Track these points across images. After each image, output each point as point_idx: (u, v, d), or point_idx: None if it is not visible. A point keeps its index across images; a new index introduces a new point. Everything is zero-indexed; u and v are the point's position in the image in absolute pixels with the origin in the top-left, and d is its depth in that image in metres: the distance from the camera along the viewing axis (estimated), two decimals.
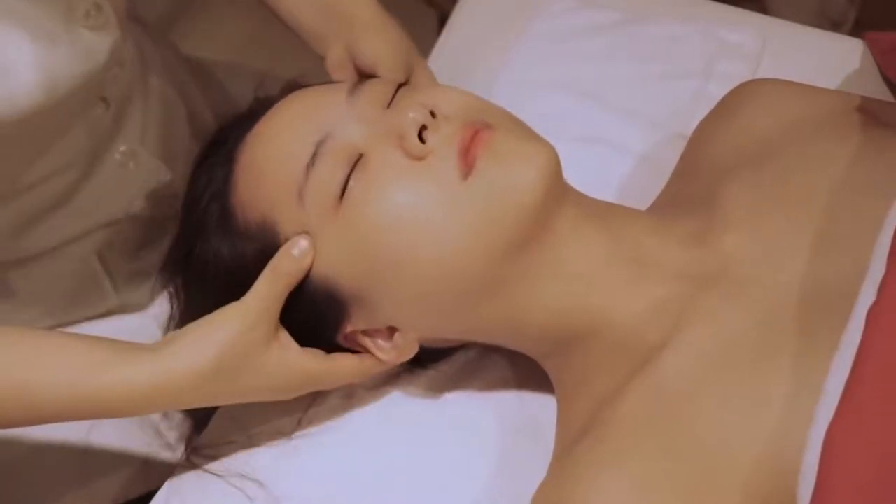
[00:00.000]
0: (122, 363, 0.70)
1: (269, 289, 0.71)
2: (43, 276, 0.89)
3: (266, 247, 0.73)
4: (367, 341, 0.75)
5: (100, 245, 0.90)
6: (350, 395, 0.82)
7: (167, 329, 0.82)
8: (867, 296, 0.60)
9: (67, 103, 0.78)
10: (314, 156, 0.70)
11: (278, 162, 0.72)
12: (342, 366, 0.75)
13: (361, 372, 0.76)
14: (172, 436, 0.91)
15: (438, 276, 0.69)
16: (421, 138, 0.69)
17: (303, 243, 0.71)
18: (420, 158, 0.69)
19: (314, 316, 0.74)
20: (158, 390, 0.70)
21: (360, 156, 0.70)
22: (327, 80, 0.81)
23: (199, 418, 0.84)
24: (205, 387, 0.71)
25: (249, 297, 0.71)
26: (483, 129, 0.69)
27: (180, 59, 1.06)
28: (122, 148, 0.88)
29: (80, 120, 0.83)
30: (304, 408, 0.82)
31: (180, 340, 0.71)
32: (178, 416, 0.87)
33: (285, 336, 0.73)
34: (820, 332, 0.61)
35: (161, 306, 0.94)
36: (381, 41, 0.83)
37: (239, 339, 0.70)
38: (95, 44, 0.79)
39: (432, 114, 0.70)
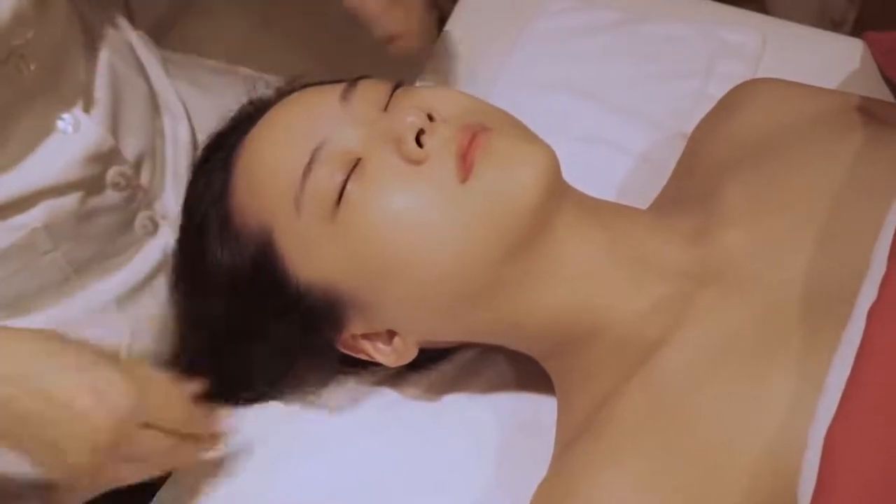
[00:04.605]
0: None
1: (154, 439, 0.68)
2: None
3: (261, 252, 0.73)
4: (367, 345, 0.75)
5: (46, 216, 0.87)
6: (350, 396, 0.82)
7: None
8: (868, 294, 0.60)
9: None
10: (310, 162, 0.70)
11: (275, 169, 0.72)
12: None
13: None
14: None
15: (438, 279, 0.69)
16: (419, 142, 0.69)
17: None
18: (418, 163, 0.69)
19: (312, 320, 0.73)
20: None
21: (358, 160, 0.70)
22: (324, 80, 0.81)
23: None
24: None
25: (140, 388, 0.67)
26: (480, 132, 0.69)
27: (154, 48, 1.05)
28: (58, 111, 0.87)
29: None
30: (304, 407, 0.82)
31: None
32: None
33: None
34: (821, 331, 0.61)
35: (122, 284, 0.93)
36: None
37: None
38: None
39: (430, 117, 0.70)
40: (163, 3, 1.87)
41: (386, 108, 0.73)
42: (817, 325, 0.62)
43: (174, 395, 0.70)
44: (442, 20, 1.11)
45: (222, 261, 0.75)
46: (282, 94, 0.78)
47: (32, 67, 0.83)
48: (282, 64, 1.01)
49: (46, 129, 0.86)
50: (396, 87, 0.75)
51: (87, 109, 0.88)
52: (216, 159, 0.78)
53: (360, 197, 0.69)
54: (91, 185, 0.89)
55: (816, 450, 0.56)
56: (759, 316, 0.64)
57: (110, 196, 0.90)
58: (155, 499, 0.81)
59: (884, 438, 0.55)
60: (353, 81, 0.75)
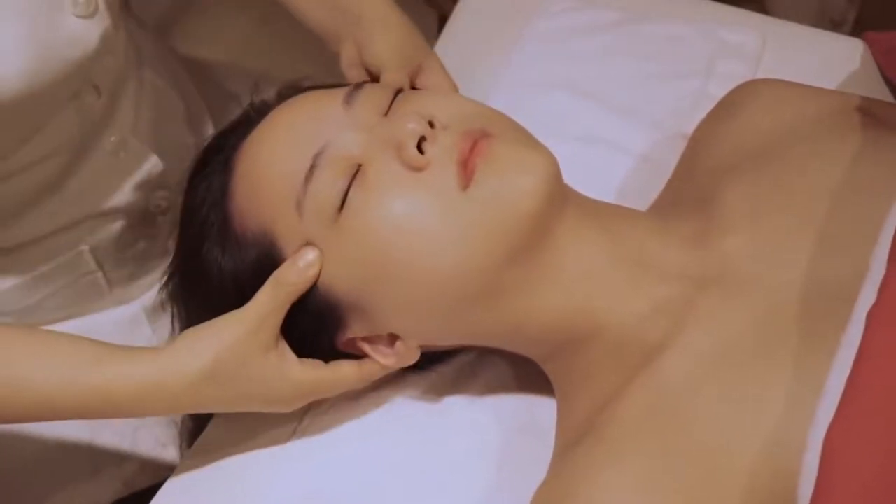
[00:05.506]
0: (120, 359, 0.71)
1: (271, 298, 0.71)
2: (35, 267, 0.88)
3: (265, 256, 0.73)
4: (367, 348, 0.75)
5: (92, 238, 0.89)
6: (349, 398, 0.82)
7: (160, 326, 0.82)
8: (867, 296, 0.60)
9: (58, 89, 0.78)
10: (312, 167, 0.70)
11: (276, 173, 0.72)
12: (342, 373, 0.75)
13: (361, 378, 0.76)
14: (168, 435, 0.91)
15: (439, 285, 0.69)
16: (420, 149, 0.69)
17: (309, 256, 0.71)
18: (419, 169, 0.69)
19: (312, 324, 0.73)
20: (155, 389, 0.70)
21: (359, 166, 0.70)
22: (325, 83, 0.81)
23: (197, 421, 0.84)
24: (200, 390, 0.71)
25: (252, 305, 0.72)
26: (482, 139, 0.69)
27: (177, 56, 1.06)
28: (113, 137, 0.87)
29: (72, 104, 0.82)
30: (304, 409, 0.82)
31: (179, 342, 0.72)
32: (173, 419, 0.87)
33: (284, 347, 0.73)
34: (821, 333, 0.61)
35: (151, 298, 0.94)
36: (386, 43, 0.82)
37: (237, 345, 0.71)
38: (84, 31, 0.79)
39: (431, 123, 0.70)
40: (163, 2, 1.87)
41: (387, 114, 0.73)
42: (817, 327, 0.62)
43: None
44: (442, 20, 1.11)
45: (224, 265, 0.75)
46: (282, 97, 0.78)
47: (101, 98, 0.84)
48: (282, 64, 1.01)
49: (105, 154, 0.87)
50: (398, 92, 0.75)
51: (136, 133, 0.89)
52: (216, 162, 0.78)
53: (363, 203, 0.69)
54: (137, 209, 0.91)
55: (815, 451, 0.56)
56: (759, 318, 0.64)
57: (153, 219, 0.92)
58: (154, 499, 0.81)
59: (882, 440, 0.55)
60: (356, 86, 0.75)
